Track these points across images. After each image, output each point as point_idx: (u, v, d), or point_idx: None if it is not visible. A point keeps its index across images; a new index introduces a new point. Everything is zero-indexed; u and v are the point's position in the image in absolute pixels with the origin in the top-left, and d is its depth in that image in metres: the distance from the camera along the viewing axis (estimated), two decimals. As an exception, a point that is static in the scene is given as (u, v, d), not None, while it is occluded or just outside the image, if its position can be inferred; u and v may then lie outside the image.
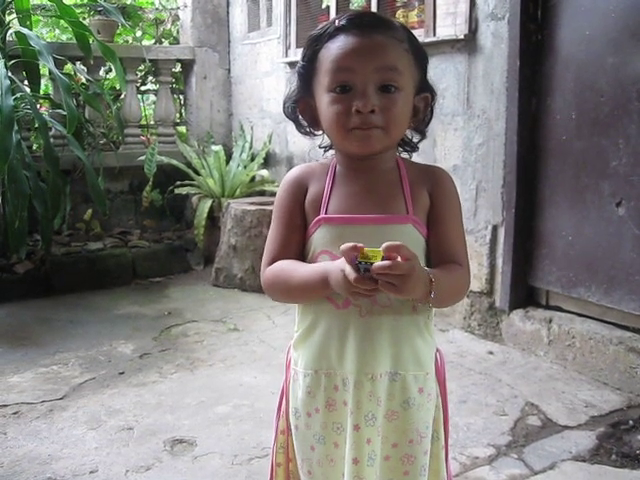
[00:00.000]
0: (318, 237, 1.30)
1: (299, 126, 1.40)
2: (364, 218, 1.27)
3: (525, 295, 3.38)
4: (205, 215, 4.81)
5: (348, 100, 1.22)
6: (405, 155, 1.40)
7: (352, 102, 1.22)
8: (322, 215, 1.30)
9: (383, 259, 1.09)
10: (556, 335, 3.12)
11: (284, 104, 1.38)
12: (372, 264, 1.09)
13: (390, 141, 1.29)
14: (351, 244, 1.11)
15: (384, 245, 1.09)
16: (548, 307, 3.31)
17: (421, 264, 1.19)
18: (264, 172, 5.11)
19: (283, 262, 1.31)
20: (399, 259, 1.10)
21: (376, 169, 1.32)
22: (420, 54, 1.31)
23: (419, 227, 1.29)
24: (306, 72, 1.31)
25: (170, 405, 2.73)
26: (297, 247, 1.33)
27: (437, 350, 1.37)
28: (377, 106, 1.21)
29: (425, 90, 1.33)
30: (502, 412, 2.64)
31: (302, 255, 1.33)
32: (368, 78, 1.22)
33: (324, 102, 1.27)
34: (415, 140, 1.40)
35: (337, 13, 4.32)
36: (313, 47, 1.29)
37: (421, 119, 1.35)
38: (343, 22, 1.25)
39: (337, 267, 1.15)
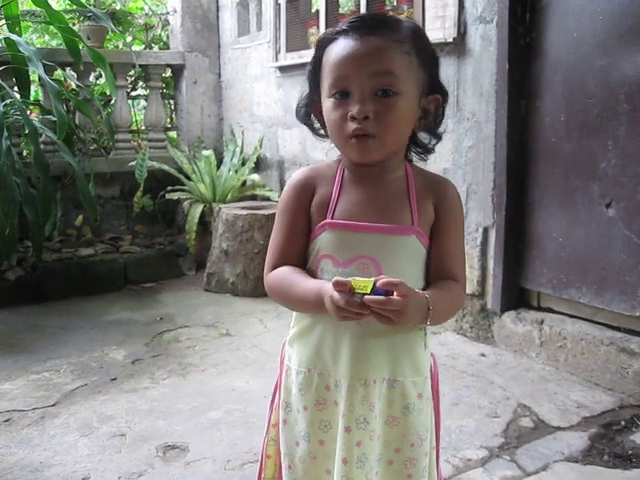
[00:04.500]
0: (322, 241, 1.30)
1: (313, 130, 1.39)
2: (369, 226, 1.27)
3: (516, 297, 3.39)
4: (196, 220, 4.81)
5: (345, 106, 1.22)
6: (417, 160, 1.40)
7: (348, 108, 1.22)
8: (328, 219, 1.29)
9: (374, 288, 1.10)
10: (548, 336, 3.13)
11: (297, 109, 1.38)
12: (364, 294, 1.11)
13: (388, 149, 1.27)
14: (341, 280, 1.12)
15: (382, 281, 1.11)
16: (539, 309, 3.32)
17: (417, 288, 1.22)
18: (255, 176, 5.12)
19: (285, 270, 1.31)
20: (395, 294, 1.11)
21: (383, 176, 1.31)
22: (426, 55, 1.28)
23: (422, 238, 1.30)
24: (314, 77, 1.32)
25: (162, 411, 2.72)
26: (300, 250, 1.33)
27: (431, 354, 1.39)
28: (372, 112, 1.20)
29: (435, 91, 1.31)
30: (494, 414, 2.65)
31: (305, 258, 1.34)
32: (363, 84, 1.21)
33: (326, 107, 1.27)
34: (432, 142, 1.38)
35: (327, 17, 4.34)
36: (318, 52, 1.30)
37: (431, 121, 1.33)
38: (344, 26, 1.25)
39: (328, 292, 1.16)
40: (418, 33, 1.29)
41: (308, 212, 1.32)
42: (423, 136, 1.37)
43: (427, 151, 1.39)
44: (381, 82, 1.21)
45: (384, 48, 1.22)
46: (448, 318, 1.36)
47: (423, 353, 1.33)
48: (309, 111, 1.36)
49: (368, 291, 1.10)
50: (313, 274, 1.30)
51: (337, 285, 1.12)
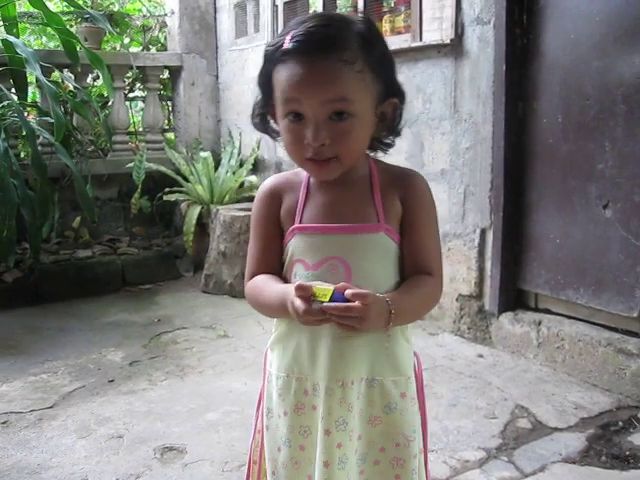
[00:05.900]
0: (293, 246, 1.32)
1: (272, 136, 1.35)
2: (336, 227, 1.28)
3: (514, 298, 3.39)
4: (194, 222, 4.80)
5: (301, 129, 1.20)
6: (380, 154, 1.38)
7: (304, 132, 1.19)
8: (296, 224, 1.31)
9: (333, 295, 1.12)
10: (545, 337, 3.13)
11: (252, 118, 1.34)
12: (322, 303, 1.13)
13: (347, 166, 1.26)
14: (303, 284, 1.15)
15: (348, 292, 1.13)
16: (537, 310, 3.32)
17: (389, 286, 1.26)
18: (253, 178, 5.11)
19: (259, 278, 1.35)
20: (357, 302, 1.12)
21: (348, 179, 1.30)
22: (380, 64, 1.23)
23: (391, 235, 1.29)
24: (266, 85, 1.27)
25: (160, 413, 2.72)
26: (275, 257, 1.36)
27: (414, 354, 1.38)
28: (329, 137, 1.19)
29: (392, 94, 1.27)
30: (492, 415, 2.65)
31: (282, 265, 1.35)
32: (316, 110, 1.18)
33: (281, 126, 1.26)
34: (391, 139, 1.35)
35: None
36: (267, 65, 1.25)
37: (389, 125, 1.30)
38: (289, 46, 1.18)
39: (290, 298, 1.18)
40: (369, 39, 1.22)
41: (279, 220, 1.35)
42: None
43: (388, 146, 1.36)
44: (335, 107, 1.18)
45: (336, 73, 1.17)
46: (420, 315, 1.37)
47: (402, 350, 1.33)
48: (266, 116, 1.32)
49: (327, 299, 1.12)
50: (288, 279, 1.32)
51: (299, 290, 1.14)
